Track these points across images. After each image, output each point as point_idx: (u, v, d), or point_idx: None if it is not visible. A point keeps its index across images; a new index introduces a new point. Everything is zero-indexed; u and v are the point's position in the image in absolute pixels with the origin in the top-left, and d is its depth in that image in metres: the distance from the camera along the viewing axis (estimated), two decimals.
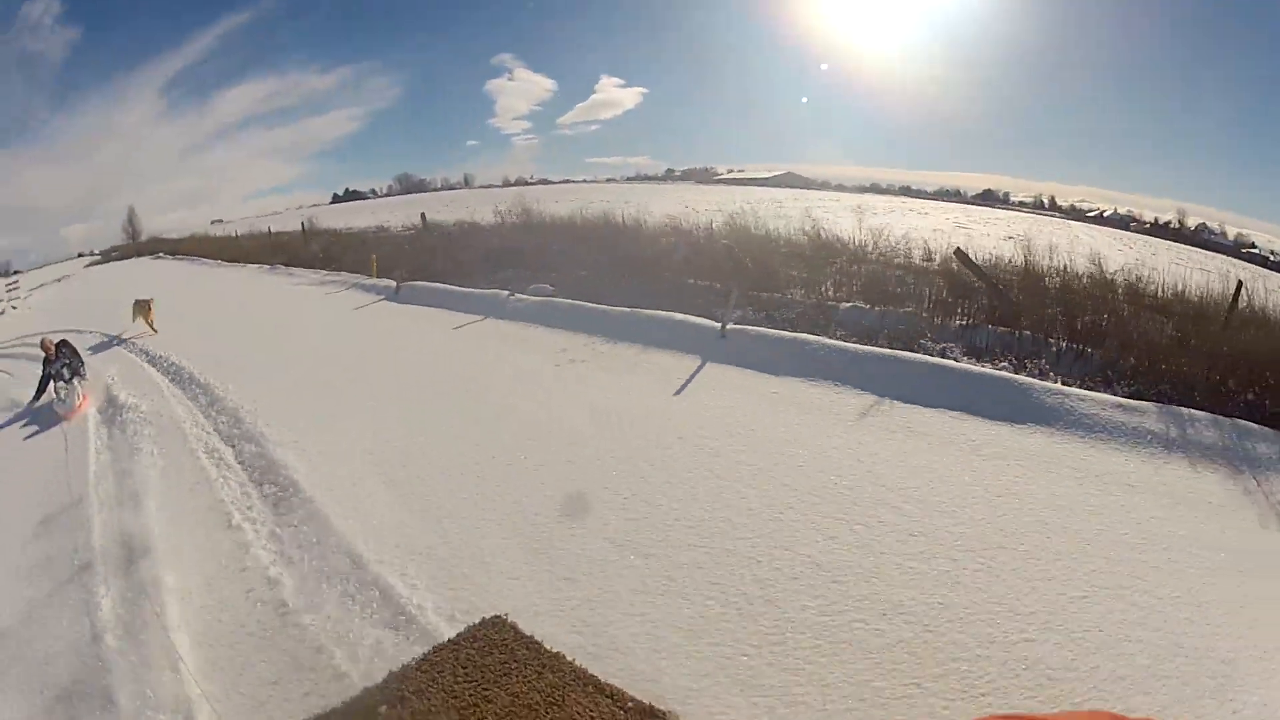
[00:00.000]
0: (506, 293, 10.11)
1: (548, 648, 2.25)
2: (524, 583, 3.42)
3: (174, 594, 3.73)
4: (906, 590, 3.50)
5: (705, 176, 20.96)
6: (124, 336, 10.49)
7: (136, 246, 21.16)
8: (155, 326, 10.55)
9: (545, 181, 21.59)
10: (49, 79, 21.74)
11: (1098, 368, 6.69)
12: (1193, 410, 5.62)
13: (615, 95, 21.69)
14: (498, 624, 2.35)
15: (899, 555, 3.80)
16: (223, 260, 17.39)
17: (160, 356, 8.81)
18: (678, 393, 6.45)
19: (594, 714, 1.92)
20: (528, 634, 2.31)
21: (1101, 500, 4.51)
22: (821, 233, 10.40)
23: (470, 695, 2.06)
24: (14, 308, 15.57)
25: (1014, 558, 3.83)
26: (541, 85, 22.19)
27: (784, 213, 12.56)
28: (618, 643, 2.89)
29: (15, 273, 18.86)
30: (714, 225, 11.29)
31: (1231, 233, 21.73)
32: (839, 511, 4.27)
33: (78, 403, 7.45)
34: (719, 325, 7.64)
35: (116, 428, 6.52)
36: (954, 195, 21.86)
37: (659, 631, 3.04)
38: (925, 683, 2.93)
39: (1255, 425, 5.40)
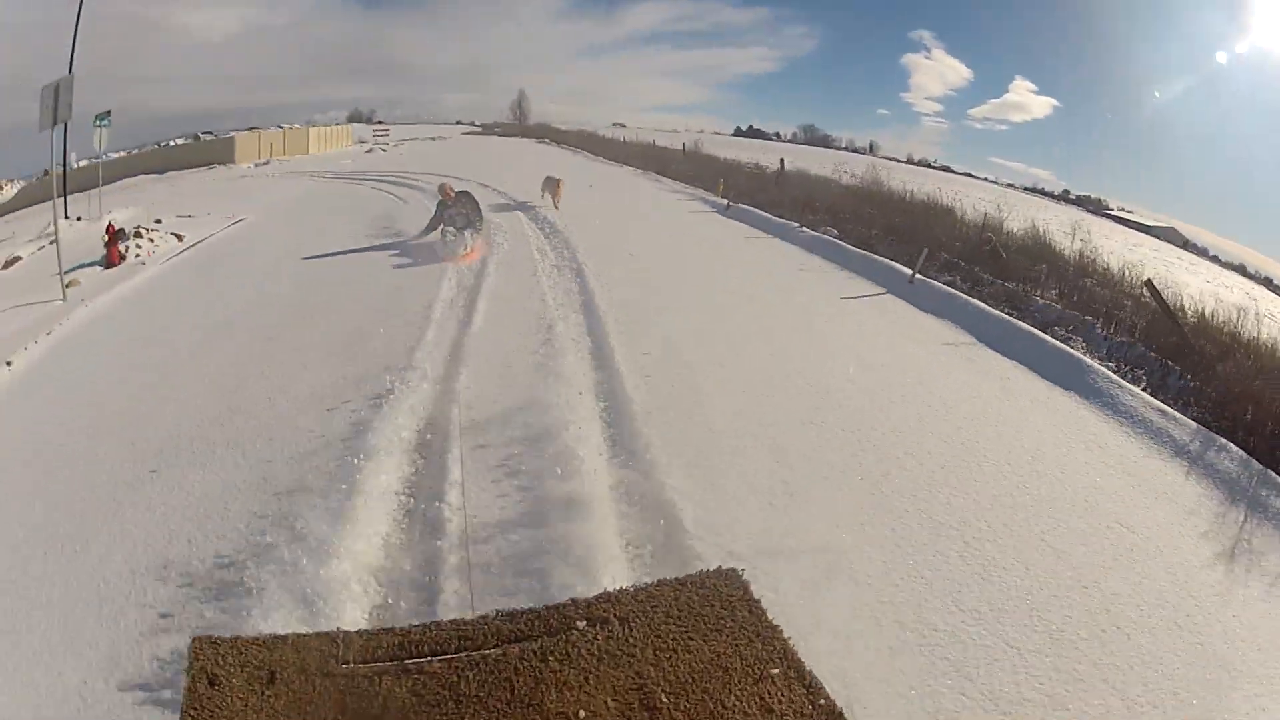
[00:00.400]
0: (797, 225, 11.68)
1: (769, 617, 2.11)
2: None
3: None
4: None
5: (1097, 206, 19.63)
6: (524, 202, 12.35)
7: (522, 128, 21.85)
8: (559, 204, 11.58)
9: (947, 169, 21.15)
10: None
11: None
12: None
13: (1027, 99, 20.60)
14: (730, 577, 2.21)
15: None
16: (604, 157, 19.52)
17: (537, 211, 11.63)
18: None
19: (785, 698, 1.82)
20: (756, 596, 2.17)
21: None
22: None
23: (674, 639, 1.98)
24: (384, 149, 17.81)
25: None
26: (958, 71, 21.13)
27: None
28: None
29: (379, 123, 19.83)
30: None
31: None
32: None
33: (464, 252, 8.16)
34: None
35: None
36: None
37: None
38: None
39: None
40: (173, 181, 14.53)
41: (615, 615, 2.05)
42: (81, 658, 2.74)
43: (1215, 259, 18.39)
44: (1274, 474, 4.59)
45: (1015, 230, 12.00)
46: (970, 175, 21.02)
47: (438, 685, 1.78)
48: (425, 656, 1.87)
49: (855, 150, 22.26)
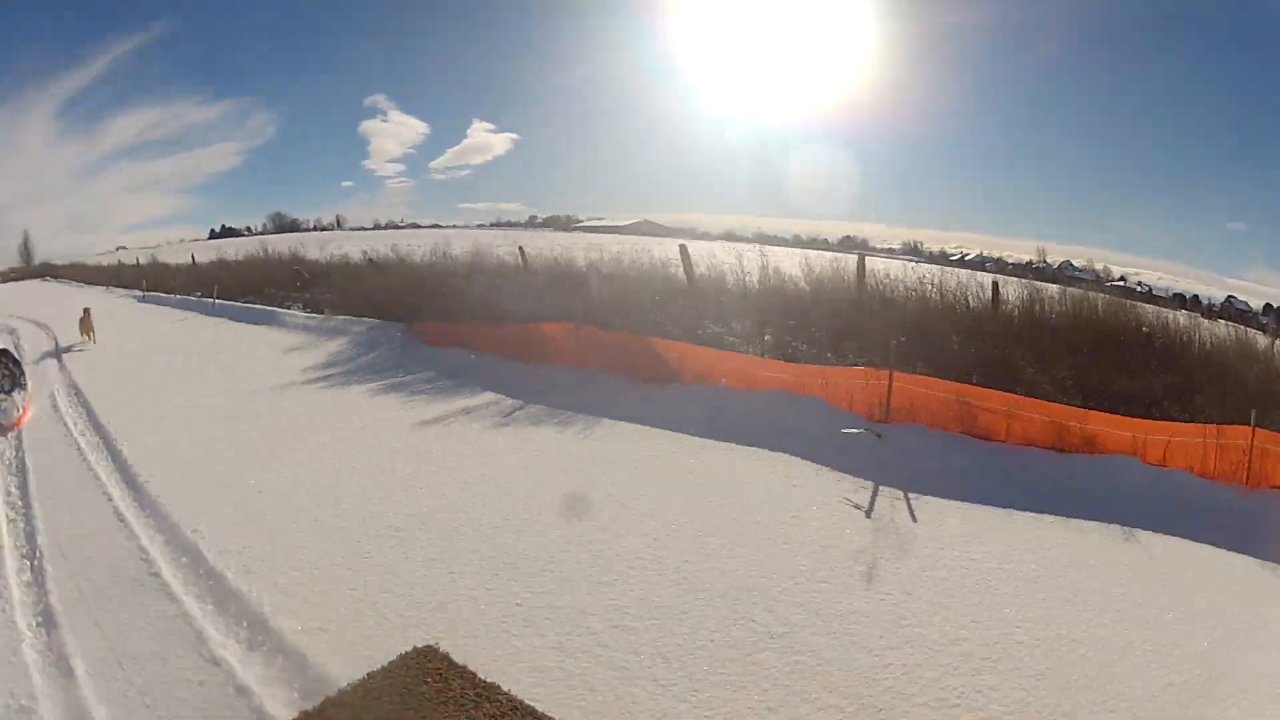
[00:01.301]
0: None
1: (481, 677, 2.19)
2: None
3: None
4: None
5: (566, 224, 21.44)
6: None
7: (30, 269, 23.02)
8: (94, 337, 12.92)
9: (415, 225, 22.06)
10: None
11: None
12: None
13: (486, 140, 21.87)
14: (429, 654, 2.29)
15: None
16: (90, 282, 21.79)
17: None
18: None
19: None
20: (460, 664, 2.25)
21: None
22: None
23: None
24: None
25: None
26: (414, 128, 22.35)
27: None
28: None
29: None
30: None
31: (1102, 269, 22.14)
32: None
33: (17, 415, 7.64)
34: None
35: None
36: (818, 243, 21.42)
37: None
38: None
39: None
40: None
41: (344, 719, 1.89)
42: None
43: (693, 234, 19.73)
44: None
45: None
46: (437, 225, 21.62)
47: None
48: None
49: (323, 228, 22.89)
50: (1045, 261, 21.57)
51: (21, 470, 6.21)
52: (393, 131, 22.27)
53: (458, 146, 21.99)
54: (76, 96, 22.17)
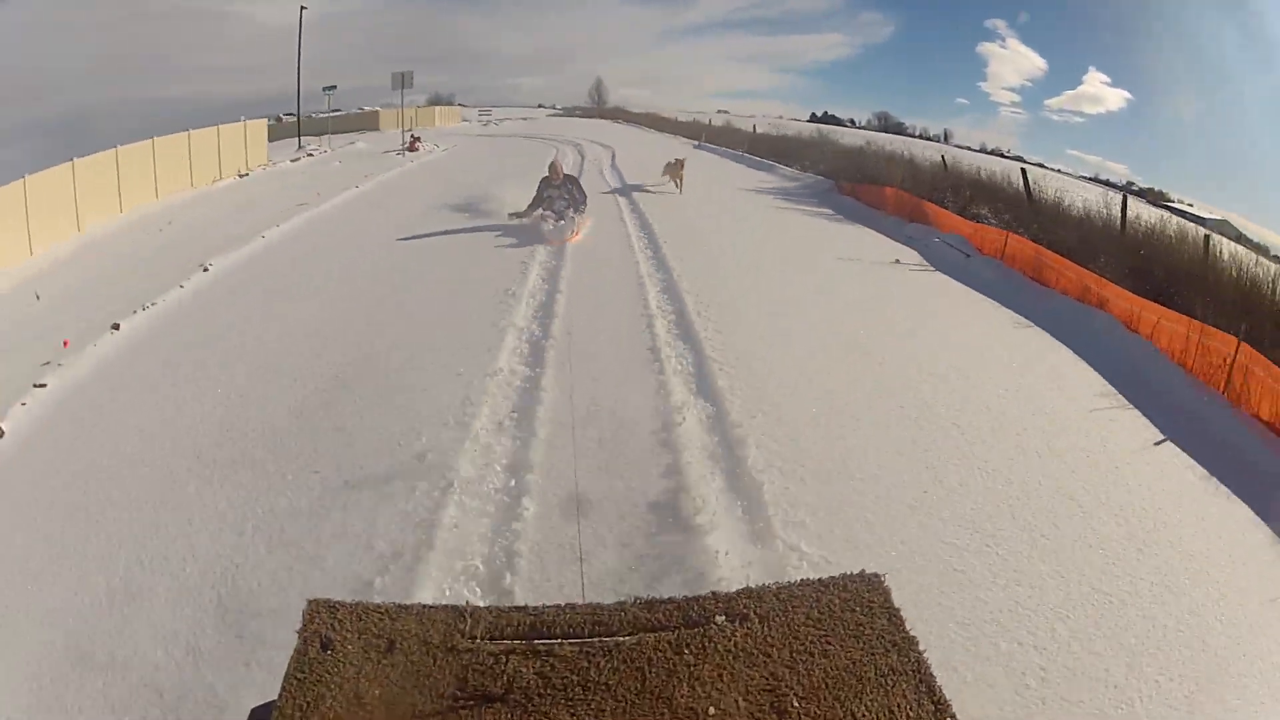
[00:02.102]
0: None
1: (907, 628, 2.03)
2: None
3: None
4: None
5: (1157, 198, 20.01)
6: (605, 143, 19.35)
7: (600, 111, 24.47)
8: (681, 187, 13.70)
9: (1019, 159, 20.90)
10: None
11: None
12: None
13: (1100, 91, 20.69)
14: (872, 582, 2.14)
15: None
16: (667, 132, 24.14)
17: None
18: None
19: (913, 713, 1.74)
20: (896, 605, 2.09)
21: None
22: None
23: (810, 642, 1.91)
24: (496, 124, 21.96)
25: None
26: (1033, 61, 21.44)
27: None
28: None
29: (485, 108, 22.82)
30: None
31: None
32: None
33: (568, 235, 8.79)
34: None
35: None
36: None
37: None
38: None
39: None
40: (366, 136, 19.02)
41: (755, 613, 2.00)
42: None
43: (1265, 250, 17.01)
44: None
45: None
46: (1042, 165, 20.48)
47: (567, 669, 1.73)
48: (556, 639, 1.82)
49: (929, 138, 22.43)
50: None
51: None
52: (1011, 59, 21.52)
53: (1074, 91, 20.96)
54: None
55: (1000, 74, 21.81)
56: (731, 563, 3.80)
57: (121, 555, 3.89)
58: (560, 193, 9.31)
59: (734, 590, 2.15)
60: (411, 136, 17.66)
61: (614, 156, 17.57)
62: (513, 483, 4.48)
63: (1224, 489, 5.04)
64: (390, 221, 11.50)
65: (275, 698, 1.62)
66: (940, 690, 1.84)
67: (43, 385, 5.93)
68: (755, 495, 4.44)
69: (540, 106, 23.77)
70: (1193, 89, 19.48)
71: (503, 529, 4.05)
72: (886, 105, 23.25)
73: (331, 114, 17.80)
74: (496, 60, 22.53)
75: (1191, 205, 19.36)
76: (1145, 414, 6.09)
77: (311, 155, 17.14)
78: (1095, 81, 20.78)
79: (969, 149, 21.61)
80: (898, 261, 10.51)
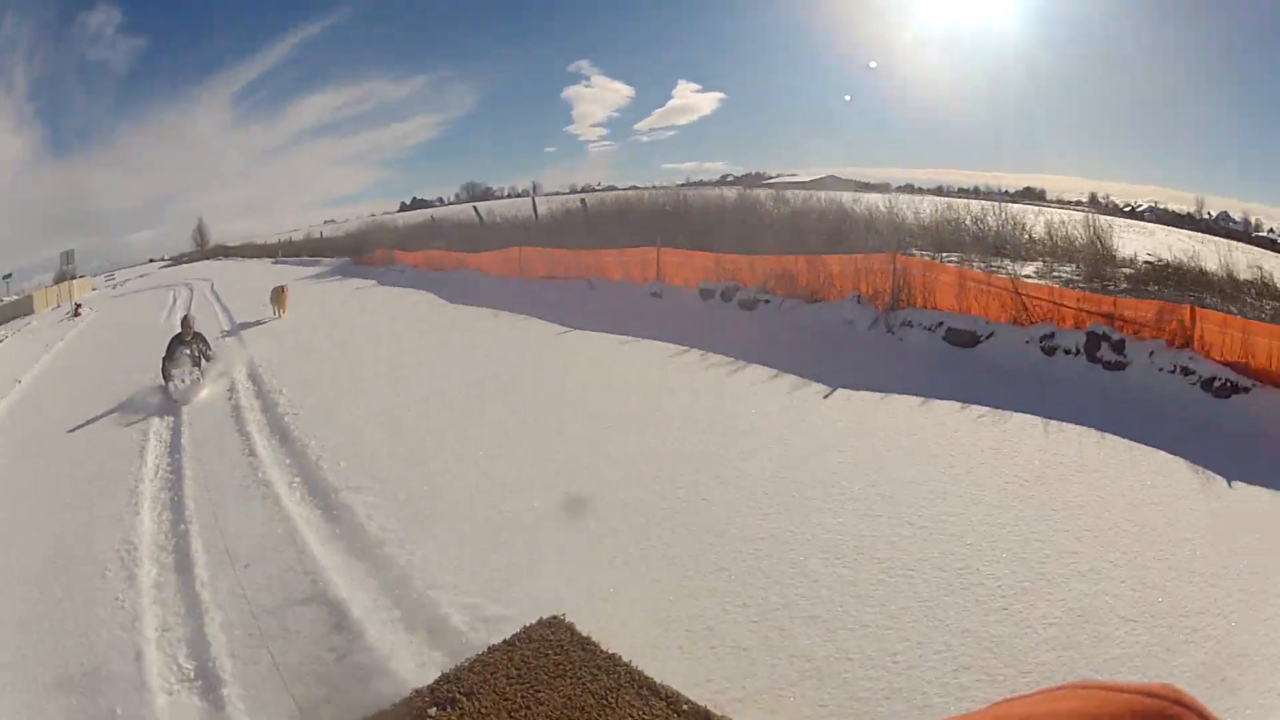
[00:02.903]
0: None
1: (603, 649, 2.20)
2: None
3: None
4: None
5: (755, 181, 20.93)
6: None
7: (204, 253, 24.60)
8: (286, 313, 14.01)
9: (611, 188, 21.98)
10: (114, 87, 21.99)
11: None
12: None
13: (693, 100, 21.64)
14: (555, 624, 2.30)
15: None
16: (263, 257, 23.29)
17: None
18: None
19: (647, 716, 1.85)
20: (584, 634, 2.26)
21: None
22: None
23: (522, 698, 2.01)
24: (122, 285, 22.07)
25: None
26: (619, 92, 22.30)
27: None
28: None
29: (109, 275, 22.72)
30: None
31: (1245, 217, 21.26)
32: None
33: (197, 394, 8.88)
34: None
35: None
36: (995, 194, 19.95)
37: None
38: None
39: None
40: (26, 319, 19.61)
41: (460, 693, 2.06)
42: None
43: (872, 187, 19.52)
44: None
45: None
46: (635, 187, 21.38)
47: None
48: None
49: (518, 195, 22.96)
50: (1207, 213, 21.26)
51: None
52: (596, 96, 22.23)
53: (663, 108, 21.88)
54: (256, 82, 22.76)
55: (588, 113, 22.39)
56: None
57: None
58: (188, 349, 9.54)
59: (434, 680, 2.19)
60: (76, 304, 20.24)
61: (212, 285, 19.88)
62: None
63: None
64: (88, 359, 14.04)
65: None
66: (664, 686, 1.95)
67: None
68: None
69: (152, 260, 24.28)
70: (780, 76, 21.28)
71: None
72: (477, 175, 23.69)
73: (8, 301, 19.55)
74: (109, 219, 22.34)
75: (794, 175, 20.40)
76: None
77: None
78: (686, 92, 21.72)
79: (557, 194, 22.16)
80: (358, 288, 17.44)
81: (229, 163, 23.96)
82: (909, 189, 20.27)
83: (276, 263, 23.40)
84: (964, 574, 3.94)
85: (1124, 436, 5.77)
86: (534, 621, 2.36)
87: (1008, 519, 4.54)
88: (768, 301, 10.73)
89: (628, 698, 1.93)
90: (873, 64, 19.98)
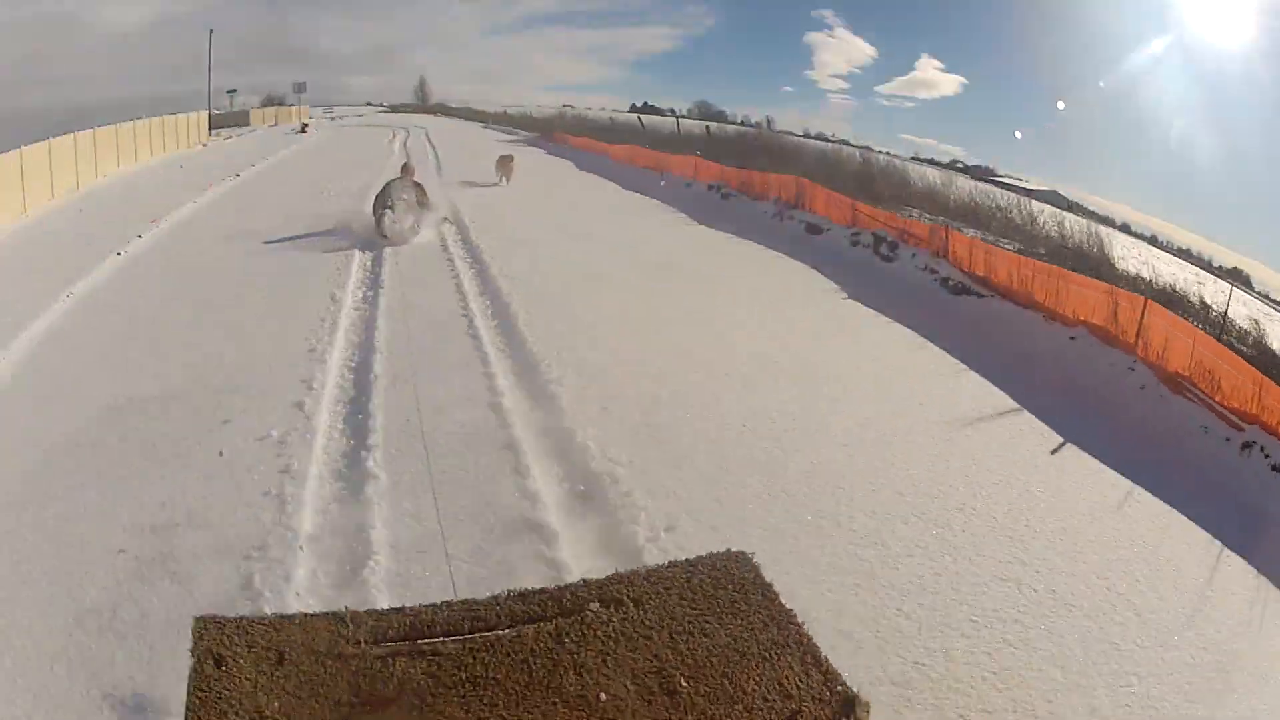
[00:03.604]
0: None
1: (783, 602, 2.06)
2: None
3: None
4: None
5: (984, 173, 20.50)
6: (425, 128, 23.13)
7: (425, 108, 25.47)
8: (511, 179, 15.32)
9: (844, 143, 21.42)
10: None
11: None
12: None
13: (934, 77, 21.09)
14: (741, 560, 2.18)
15: None
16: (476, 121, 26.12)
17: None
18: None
19: (802, 684, 1.76)
20: (768, 580, 2.13)
21: None
22: None
23: (689, 621, 1.95)
24: (341, 120, 24.41)
25: None
26: (861, 50, 21.84)
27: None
28: None
29: (317, 107, 24.15)
30: None
31: None
32: None
33: (409, 238, 9.51)
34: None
35: None
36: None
37: None
38: None
39: None
40: (243, 130, 22.94)
41: (629, 597, 2.02)
42: None
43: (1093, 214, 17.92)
44: None
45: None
46: (869, 149, 20.94)
47: (453, 667, 1.75)
48: (438, 637, 1.84)
49: (749, 125, 22.40)
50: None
51: None
52: (837, 48, 21.81)
53: (905, 77, 21.33)
54: None
55: (828, 62, 21.82)
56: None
57: None
58: (401, 194, 9.77)
59: (604, 577, 2.15)
60: (303, 123, 23.19)
61: (427, 134, 22.77)
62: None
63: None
64: (322, 158, 19.41)
65: None
66: (827, 660, 1.85)
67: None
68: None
69: (369, 105, 25.13)
70: (1024, 74, 19.45)
71: None
72: (712, 95, 23.39)
73: (230, 111, 22.33)
74: (326, 60, 22.99)
75: (1020, 179, 19.30)
76: None
77: (228, 139, 21.96)
78: (928, 67, 20.86)
79: (791, 134, 21.91)
80: (539, 155, 20.35)
81: (458, 29, 24.70)
82: (1125, 229, 17.44)
83: (486, 128, 24.90)
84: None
85: (877, 308, 8.60)
86: (720, 550, 2.25)
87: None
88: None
89: (789, 659, 1.85)
90: (1060, 104, 18.22)
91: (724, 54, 23.44)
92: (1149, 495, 4.88)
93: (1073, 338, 7.77)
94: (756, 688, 1.75)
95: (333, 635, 1.83)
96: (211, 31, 19.15)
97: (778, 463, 4.80)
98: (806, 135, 21.66)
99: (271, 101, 23.20)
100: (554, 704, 1.69)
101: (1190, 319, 8.20)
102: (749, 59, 24.21)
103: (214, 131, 21.90)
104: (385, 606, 2.12)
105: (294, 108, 23.93)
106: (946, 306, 9.14)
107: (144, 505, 4.01)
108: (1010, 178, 19.41)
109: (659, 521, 4.03)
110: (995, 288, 9.12)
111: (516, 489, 4.28)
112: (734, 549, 2.26)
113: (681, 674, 1.79)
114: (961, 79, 20.46)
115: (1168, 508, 4.77)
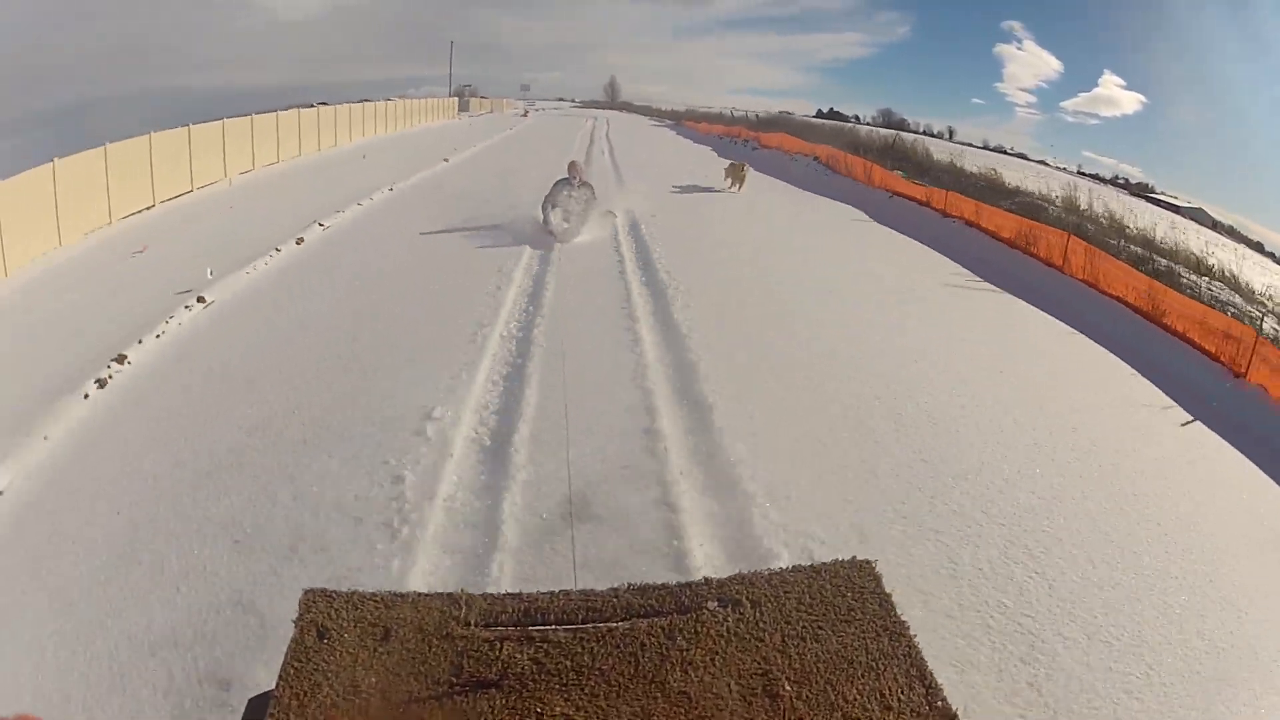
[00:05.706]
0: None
1: (899, 614, 2.00)
2: None
3: None
4: None
5: (1141, 189, 20.05)
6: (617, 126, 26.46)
7: (613, 104, 26.97)
8: (743, 187, 14.77)
9: (1022, 156, 21.14)
10: None
11: None
12: None
13: (1115, 94, 20.53)
14: (863, 568, 2.12)
15: None
16: (647, 115, 29.30)
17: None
18: None
19: (904, 697, 1.73)
20: (888, 591, 2.07)
21: None
22: None
23: (804, 627, 1.91)
24: (539, 111, 27.60)
25: None
26: (1048, 64, 21.38)
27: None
28: None
29: (526, 98, 27.01)
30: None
31: None
32: None
33: (573, 237, 9.46)
34: None
35: None
36: None
37: None
38: None
39: None
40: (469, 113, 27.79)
41: (747, 598, 1.99)
42: None
43: (1238, 236, 16.59)
44: None
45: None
46: (1044, 163, 20.66)
47: (560, 655, 1.74)
48: (550, 625, 1.83)
49: (931, 135, 22.11)
50: None
51: None
52: (1026, 61, 21.48)
53: (1089, 93, 20.82)
54: None
55: (1017, 75, 21.47)
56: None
57: None
58: (571, 194, 9.95)
59: (726, 576, 2.12)
60: (526, 109, 26.93)
61: (607, 127, 24.86)
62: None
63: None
64: (546, 127, 24.44)
65: (273, 687, 1.66)
66: (932, 675, 1.82)
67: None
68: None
69: (560, 100, 27.02)
70: (1203, 95, 18.81)
71: None
72: (896, 104, 23.15)
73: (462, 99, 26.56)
74: (513, 54, 24.06)
75: (1176, 197, 18.74)
76: None
77: (474, 117, 26.37)
78: (1110, 84, 20.32)
79: (971, 145, 21.48)
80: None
81: (644, 30, 25.38)
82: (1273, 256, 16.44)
83: (656, 125, 27.28)
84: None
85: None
86: (846, 559, 2.27)
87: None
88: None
89: (895, 671, 1.85)
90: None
91: (915, 63, 23.56)
92: None
93: None
94: (858, 697, 1.75)
95: (443, 615, 1.85)
96: (433, 27, 21.46)
97: None
98: (985, 146, 21.61)
99: (469, 94, 26.46)
100: (655, 698, 1.70)
101: None
102: (940, 69, 23.91)
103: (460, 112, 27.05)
104: (501, 592, 2.10)
105: (505, 99, 28.30)
106: None
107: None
108: (1167, 195, 19.06)
109: None
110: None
111: None
112: (859, 558, 2.24)
113: (786, 678, 1.78)
114: (1141, 98, 19.99)
115: None
